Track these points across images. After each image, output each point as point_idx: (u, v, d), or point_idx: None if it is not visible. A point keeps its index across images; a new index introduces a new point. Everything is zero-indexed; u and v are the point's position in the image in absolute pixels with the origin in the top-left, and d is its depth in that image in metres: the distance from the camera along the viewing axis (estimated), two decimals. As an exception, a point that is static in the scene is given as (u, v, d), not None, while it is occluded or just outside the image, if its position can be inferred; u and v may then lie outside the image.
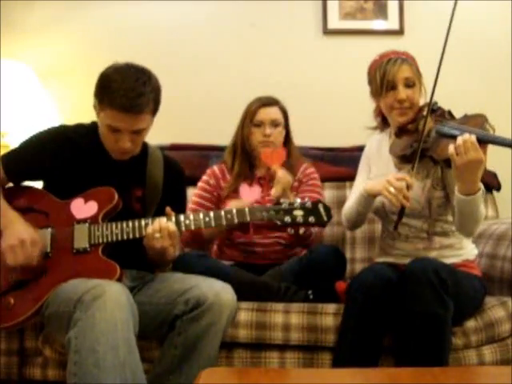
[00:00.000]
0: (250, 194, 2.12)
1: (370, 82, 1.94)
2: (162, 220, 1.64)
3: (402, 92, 1.86)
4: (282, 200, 1.70)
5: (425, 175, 1.87)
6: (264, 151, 2.11)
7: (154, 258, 1.72)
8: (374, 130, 2.07)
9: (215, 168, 2.26)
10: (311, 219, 1.66)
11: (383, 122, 2.03)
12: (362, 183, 2.00)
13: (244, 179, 2.19)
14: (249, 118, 2.19)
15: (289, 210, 1.67)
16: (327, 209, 1.69)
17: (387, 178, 1.77)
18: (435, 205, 1.87)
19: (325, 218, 1.67)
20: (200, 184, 2.25)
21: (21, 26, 2.78)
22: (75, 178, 1.73)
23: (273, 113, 2.18)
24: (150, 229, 1.64)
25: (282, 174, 1.99)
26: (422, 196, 1.86)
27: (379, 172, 1.96)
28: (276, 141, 2.17)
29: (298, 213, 1.66)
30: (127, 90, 1.62)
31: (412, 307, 1.63)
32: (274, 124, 2.17)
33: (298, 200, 1.69)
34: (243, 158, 2.21)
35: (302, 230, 1.75)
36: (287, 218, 1.66)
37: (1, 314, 1.65)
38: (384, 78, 1.87)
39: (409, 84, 1.88)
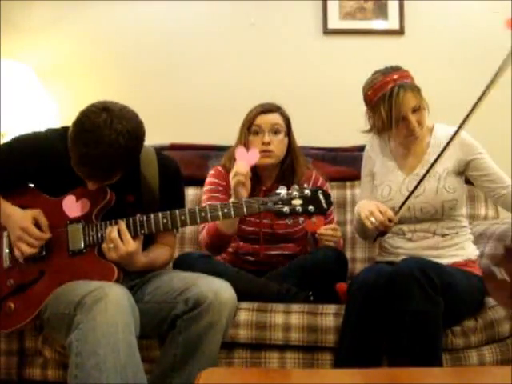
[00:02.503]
0: (247, 157, 1.87)
1: (373, 111, 1.90)
2: (113, 229, 1.60)
3: (413, 121, 1.85)
4: (279, 188, 1.64)
5: (437, 178, 1.89)
6: (308, 222, 1.97)
7: (127, 268, 1.68)
8: (368, 132, 2.04)
9: (221, 170, 2.14)
10: (311, 208, 1.61)
11: None
12: (365, 191, 2.06)
13: (251, 194, 2.02)
14: (246, 126, 2.07)
15: (287, 200, 1.61)
16: (327, 196, 1.63)
17: (370, 209, 1.82)
18: (447, 207, 1.90)
19: (324, 206, 1.62)
20: (208, 186, 2.13)
21: (21, 26, 2.78)
22: (61, 187, 1.69)
23: (272, 118, 2.07)
24: (104, 246, 1.62)
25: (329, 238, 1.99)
26: (435, 199, 1.89)
27: (386, 178, 1.98)
28: (277, 150, 2.06)
29: (297, 202, 1.61)
30: (94, 158, 1.49)
31: (401, 306, 1.63)
32: (274, 130, 2.05)
33: (297, 187, 1.64)
34: None
35: (301, 219, 1.71)
36: (286, 209, 1.60)
37: (2, 320, 1.66)
38: (391, 114, 1.83)
39: (415, 109, 1.86)
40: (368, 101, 1.92)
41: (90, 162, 1.51)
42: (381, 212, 1.80)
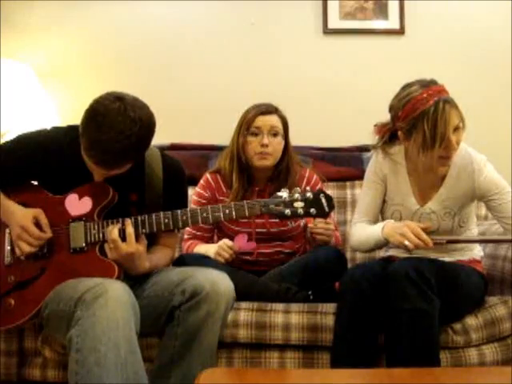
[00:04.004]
0: (244, 244, 2.02)
1: (409, 129, 1.73)
2: (113, 230, 1.60)
3: (454, 141, 1.71)
4: (282, 191, 1.63)
5: (453, 215, 1.86)
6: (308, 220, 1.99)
7: (129, 272, 1.68)
8: (375, 149, 1.92)
9: (209, 178, 2.15)
10: (312, 211, 1.60)
11: (390, 139, 1.88)
12: (368, 197, 1.93)
13: (243, 194, 2.07)
14: (245, 127, 2.07)
15: (289, 203, 1.60)
16: (329, 199, 1.61)
17: (405, 233, 1.69)
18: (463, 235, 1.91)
19: (326, 209, 1.60)
20: (194, 197, 2.15)
21: (21, 25, 2.78)
22: (64, 184, 1.69)
23: (271, 120, 2.06)
24: (106, 245, 1.63)
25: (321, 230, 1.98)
26: (449, 233, 1.87)
27: (398, 201, 1.91)
28: (274, 152, 2.05)
29: (299, 205, 1.60)
30: (105, 143, 1.50)
31: (397, 305, 1.63)
32: (273, 133, 2.05)
33: (298, 189, 1.63)
34: (241, 170, 2.09)
35: (302, 222, 1.71)
36: (287, 211, 1.60)
37: (2, 316, 1.66)
38: (436, 132, 1.67)
39: (456, 128, 1.72)
40: (403, 117, 1.74)
41: (101, 146, 1.51)
42: (416, 236, 1.68)
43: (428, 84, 1.73)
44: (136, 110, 1.53)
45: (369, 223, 1.92)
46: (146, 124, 1.55)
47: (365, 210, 1.95)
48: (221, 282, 1.61)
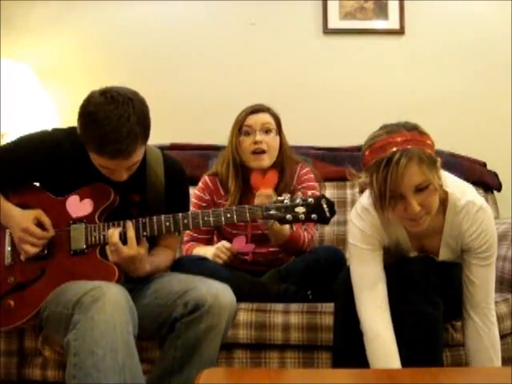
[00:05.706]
0: (242, 246, 2.02)
1: (369, 177, 1.45)
2: (114, 233, 1.60)
3: (414, 203, 1.41)
4: (283, 195, 1.63)
5: (457, 257, 1.71)
6: (254, 175, 1.95)
7: (130, 275, 1.68)
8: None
9: (208, 180, 2.15)
10: (313, 216, 1.59)
11: None
12: (377, 274, 1.59)
13: (240, 197, 2.06)
14: (237, 127, 2.07)
15: (290, 207, 1.60)
16: (330, 204, 1.61)
17: None
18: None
19: (327, 214, 1.60)
20: (194, 200, 2.13)
21: (21, 26, 2.78)
22: (66, 186, 1.69)
23: (262, 117, 2.06)
24: (107, 248, 1.63)
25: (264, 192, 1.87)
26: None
27: (395, 254, 1.74)
28: (270, 149, 2.04)
29: (300, 209, 1.60)
30: (112, 133, 1.51)
31: (402, 308, 1.60)
32: (265, 129, 2.04)
33: (300, 194, 1.63)
34: (236, 173, 2.09)
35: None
36: (289, 216, 1.60)
37: (2, 317, 1.65)
38: (385, 191, 1.38)
39: (420, 188, 1.42)
40: (364, 161, 1.47)
41: (110, 138, 1.51)
42: None
43: (395, 130, 1.43)
44: (120, 93, 1.56)
45: (384, 313, 1.58)
46: (136, 99, 1.57)
47: (373, 291, 1.58)
48: (223, 295, 1.59)
